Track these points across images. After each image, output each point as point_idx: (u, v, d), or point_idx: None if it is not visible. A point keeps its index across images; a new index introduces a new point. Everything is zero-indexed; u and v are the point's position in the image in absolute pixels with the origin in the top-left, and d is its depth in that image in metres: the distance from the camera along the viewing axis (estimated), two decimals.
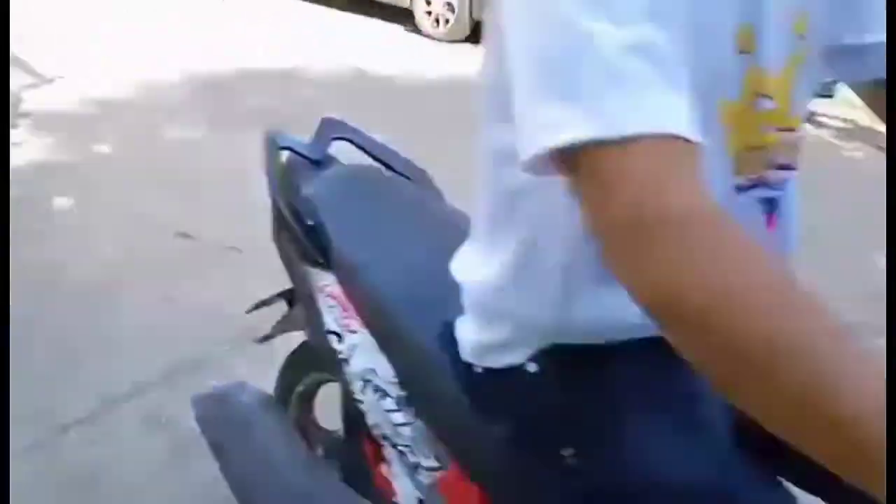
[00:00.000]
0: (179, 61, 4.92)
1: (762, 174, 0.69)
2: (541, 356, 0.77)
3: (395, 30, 6.51)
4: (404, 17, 6.47)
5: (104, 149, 3.67)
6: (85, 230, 2.88)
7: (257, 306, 1.41)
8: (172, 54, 5.05)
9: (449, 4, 6.12)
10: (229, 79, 4.80)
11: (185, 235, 2.87)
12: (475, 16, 6.02)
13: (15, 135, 3.63)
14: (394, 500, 1.10)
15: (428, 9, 6.23)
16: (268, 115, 3.49)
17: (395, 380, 1.02)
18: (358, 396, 1.08)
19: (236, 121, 3.93)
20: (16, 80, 4.18)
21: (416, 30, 6.35)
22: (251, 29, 5.92)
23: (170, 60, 4.92)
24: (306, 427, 1.50)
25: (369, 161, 1.35)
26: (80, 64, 4.75)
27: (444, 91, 5.12)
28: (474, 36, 6.11)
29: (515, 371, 0.78)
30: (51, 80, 4.46)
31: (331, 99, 4.60)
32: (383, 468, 1.12)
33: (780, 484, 0.76)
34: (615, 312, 0.66)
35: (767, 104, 0.66)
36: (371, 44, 5.98)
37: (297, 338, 1.38)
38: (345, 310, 1.09)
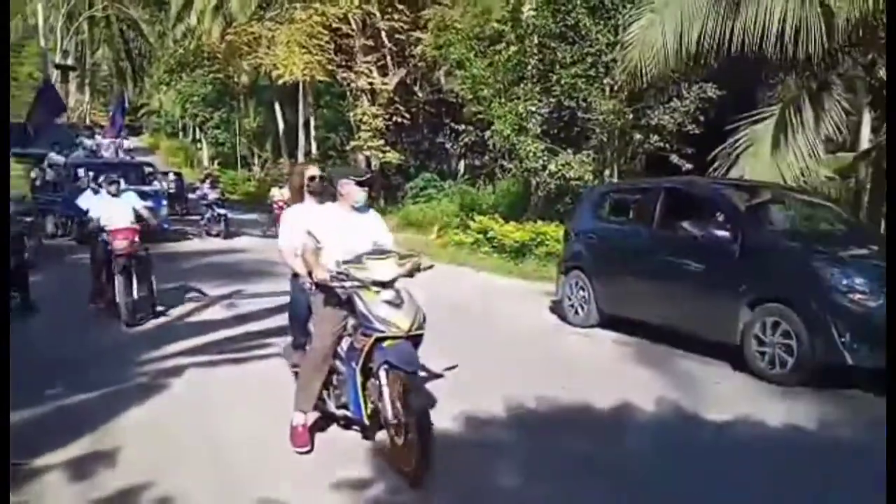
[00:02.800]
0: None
1: None
2: None
3: (723, 369, 6.16)
4: (732, 355, 6.13)
5: None
6: None
7: None
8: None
9: (786, 346, 5.65)
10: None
11: None
12: (820, 359, 5.46)
13: None
14: None
15: (761, 348, 5.83)
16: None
17: None
18: None
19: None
20: None
21: (749, 370, 5.91)
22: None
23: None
24: None
25: None
26: None
27: (786, 446, 4.48)
28: (819, 380, 5.47)
29: None
30: None
31: (666, 452, 4.28)
32: None
33: None
34: None
35: None
36: (696, 384, 5.67)
37: None
38: None
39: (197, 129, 41.45)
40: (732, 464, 4.10)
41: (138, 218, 8.12)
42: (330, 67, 22.40)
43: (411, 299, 3.89)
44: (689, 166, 12.98)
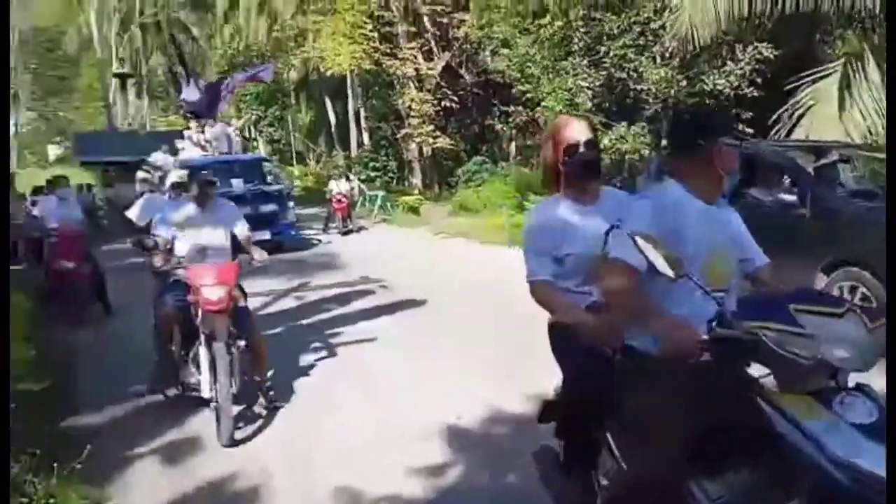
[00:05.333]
0: None
1: None
2: None
3: None
4: None
5: None
6: None
7: None
8: None
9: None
10: None
11: None
12: None
13: None
14: None
15: None
16: None
17: None
18: None
19: None
20: None
21: None
22: None
23: None
24: None
25: None
26: None
27: None
28: None
29: None
30: None
31: None
32: None
33: None
34: None
35: None
36: None
37: None
38: None
39: (252, 128, 42.39)
40: None
41: (237, 248, 4.89)
42: (375, 56, 22.57)
43: None
44: (749, 131, 12.64)
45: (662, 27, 12.70)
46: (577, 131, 2.60)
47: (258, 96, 35.10)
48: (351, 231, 16.90)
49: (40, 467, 3.12)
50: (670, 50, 13.02)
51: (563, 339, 2.53)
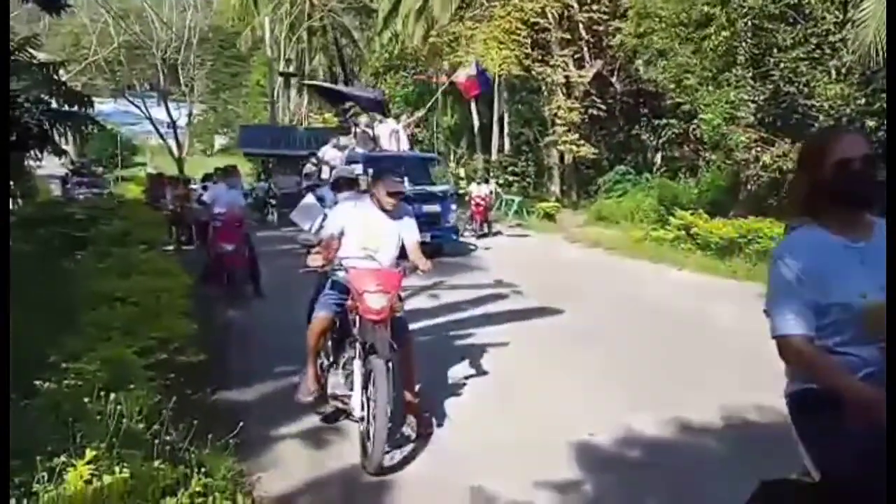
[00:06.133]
0: None
1: None
2: None
3: None
4: None
5: None
6: None
7: None
8: None
9: None
10: None
11: None
12: None
13: None
14: None
15: None
16: None
17: None
18: None
19: None
20: None
21: None
22: None
23: None
24: None
25: None
26: None
27: None
28: None
29: None
30: None
31: None
32: None
33: None
34: None
35: None
36: None
37: None
38: None
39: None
40: None
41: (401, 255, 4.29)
42: (526, 62, 22.54)
43: None
44: None
45: (842, 41, 11.73)
46: (854, 145, 2.06)
47: (406, 98, 36.13)
48: (486, 234, 16.98)
49: (196, 437, 3.32)
50: (847, 65, 12.01)
51: (820, 415, 1.97)
